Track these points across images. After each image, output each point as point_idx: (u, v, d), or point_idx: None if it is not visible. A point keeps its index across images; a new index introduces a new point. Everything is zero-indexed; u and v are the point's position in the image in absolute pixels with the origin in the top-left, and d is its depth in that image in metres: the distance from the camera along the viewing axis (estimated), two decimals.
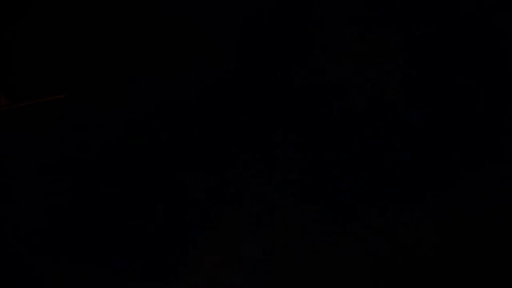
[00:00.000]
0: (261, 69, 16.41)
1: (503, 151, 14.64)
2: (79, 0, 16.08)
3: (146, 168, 17.19)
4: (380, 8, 15.24)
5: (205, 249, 16.58)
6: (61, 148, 16.77)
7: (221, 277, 16.43)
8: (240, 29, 15.98)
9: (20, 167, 15.76)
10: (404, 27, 15.53)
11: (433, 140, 15.16)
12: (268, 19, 15.80)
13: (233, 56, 16.16)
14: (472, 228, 14.20)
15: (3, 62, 14.30)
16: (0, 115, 13.66)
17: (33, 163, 16.13)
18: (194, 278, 16.24)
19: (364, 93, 16.05)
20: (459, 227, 14.14)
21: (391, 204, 15.44)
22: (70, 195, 16.73)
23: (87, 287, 15.67)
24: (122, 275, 15.78)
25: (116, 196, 16.42)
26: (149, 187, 16.97)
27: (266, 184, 15.93)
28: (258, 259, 16.40)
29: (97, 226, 16.26)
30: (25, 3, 14.76)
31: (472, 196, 14.22)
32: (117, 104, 16.95)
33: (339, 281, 15.00)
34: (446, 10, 15.06)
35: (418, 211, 14.62)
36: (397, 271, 14.98)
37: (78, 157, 16.85)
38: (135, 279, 15.89)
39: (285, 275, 15.58)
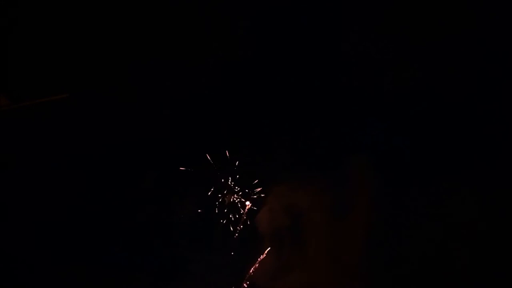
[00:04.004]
0: (261, 73, 16.34)
1: (503, 151, 14.53)
2: (79, 1, 15.83)
3: (146, 167, 16.81)
4: (383, 10, 15.23)
5: (204, 249, 16.24)
6: (61, 148, 16.46)
7: (221, 277, 16.11)
8: (246, 29, 15.90)
9: (20, 166, 15.50)
10: (407, 29, 15.47)
11: (435, 140, 15.09)
12: (276, 23, 15.76)
13: (236, 59, 16.09)
14: (475, 225, 14.08)
15: (3, 62, 14.09)
16: (0, 115, 13.47)
17: (33, 163, 15.85)
18: (194, 278, 15.94)
19: (364, 93, 15.98)
20: (458, 225, 14.07)
21: (392, 204, 15.40)
22: (70, 194, 16.37)
23: (87, 286, 15.35)
24: (122, 273, 15.42)
25: (117, 195, 16.08)
26: (149, 186, 16.57)
27: (267, 184, 15.80)
28: (258, 259, 16.10)
29: (97, 225, 15.92)
30: (25, 4, 14.56)
31: (473, 194, 14.18)
32: (117, 104, 16.64)
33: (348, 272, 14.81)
34: (448, 11, 15.00)
35: (419, 214, 14.68)
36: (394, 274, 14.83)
37: (78, 157, 16.53)
38: (135, 278, 15.57)
39: (286, 274, 15.35)
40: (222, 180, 16.20)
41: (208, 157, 16.01)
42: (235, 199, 16.22)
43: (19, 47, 14.98)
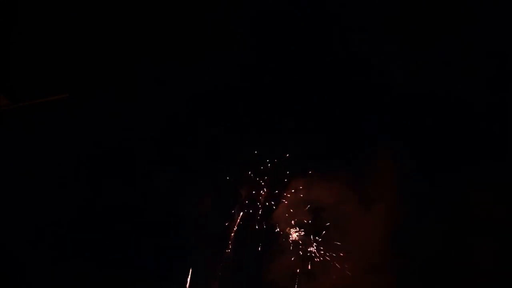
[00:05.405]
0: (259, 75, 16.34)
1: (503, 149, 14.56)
2: (79, 1, 15.82)
3: (146, 167, 16.81)
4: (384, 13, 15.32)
5: (205, 248, 16.22)
6: (62, 148, 16.43)
7: (221, 277, 16.08)
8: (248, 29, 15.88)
9: (20, 166, 15.49)
10: (407, 29, 15.52)
11: (455, 132, 15.19)
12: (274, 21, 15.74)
13: (236, 60, 16.09)
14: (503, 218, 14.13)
15: (3, 62, 14.09)
16: (0, 115, 13.47)
17: (33, 163, 15.83)
18: (207, 278, 15.90)
19: (380, 88, 16.00)
20: (485, 218, 14.15)
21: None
22: (70, 194, 16.34)
23: (87, 286, 15.34)
24: (122, 273, 15.40)
25: (117, 195, 16.07)
26: (149, 186, 16.57)
27: (284, 178, 15.76)
28: (258, 259, 16.10)
29: (98, 225, 15.89)
30: (25, 4, 14.55)
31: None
32: (117, 104, 16.62)
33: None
34: (448, 12, 15.05)
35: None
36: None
37: (78, 157, 16.49)
38: (135, 278, 15.56)
39: (309, 274, 15.32)
40: (238, 176, 16.17)
41: (222, 154, 16.03)
42: (251, 195, 16.17)
43: (19, 47, 14.94)
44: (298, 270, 15.73)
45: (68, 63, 15.63)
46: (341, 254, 15.55)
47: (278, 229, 16.14)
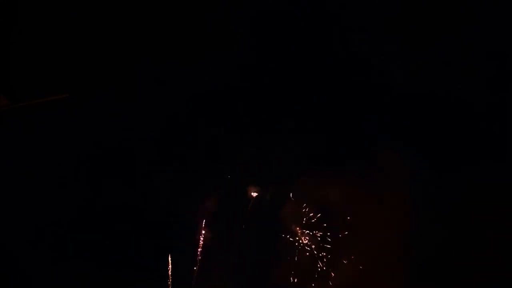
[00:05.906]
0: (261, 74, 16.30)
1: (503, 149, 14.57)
2: (79, 1, 15.83)
3: (146, 167, 16.83)
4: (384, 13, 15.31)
5: (205, 248, 16.23)
6: (61, 148, 16.45)
7: (221, 277, 16.12)
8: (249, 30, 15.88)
9: (20, 166, 15.50)
10: (405, 30, 15.51)
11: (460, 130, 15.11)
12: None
13: (236, 61, 16.09)
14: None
15: (3, 62, 14.11)
16: (0, 115, 13.50)
17: (33, 163, 15.85)
18: (213, 278, 15.94)
19: (365, 94, 15.98)
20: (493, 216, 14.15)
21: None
22: (70, 194, 16.36)
23: (87, 286, 15.36)
24: (122, 273, 15.42)
25: (117, 195, 16.08)
26: (149, 186, 16.59)
27: (289, 176, 15.70)
28: (258, 260, 16.13)
29: (98, 225, 15.91)
30: (25, 4, 14.55)
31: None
32: (117, 104, 16.63)
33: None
34: (448, 11, 15.03)
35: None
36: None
37: (78, 157, 16.51)
38: (135, 278, 15.58)
39: (294, 273, 15.36)
40: (240, 176, 16.17)
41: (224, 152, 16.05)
42: (256, 194, 16.15)
43: (19, 47, 14.95)
44: (301, 269, 15.72)
45: (68, 63, 15.64)
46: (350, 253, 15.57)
47: (285, 228, 16.14)
